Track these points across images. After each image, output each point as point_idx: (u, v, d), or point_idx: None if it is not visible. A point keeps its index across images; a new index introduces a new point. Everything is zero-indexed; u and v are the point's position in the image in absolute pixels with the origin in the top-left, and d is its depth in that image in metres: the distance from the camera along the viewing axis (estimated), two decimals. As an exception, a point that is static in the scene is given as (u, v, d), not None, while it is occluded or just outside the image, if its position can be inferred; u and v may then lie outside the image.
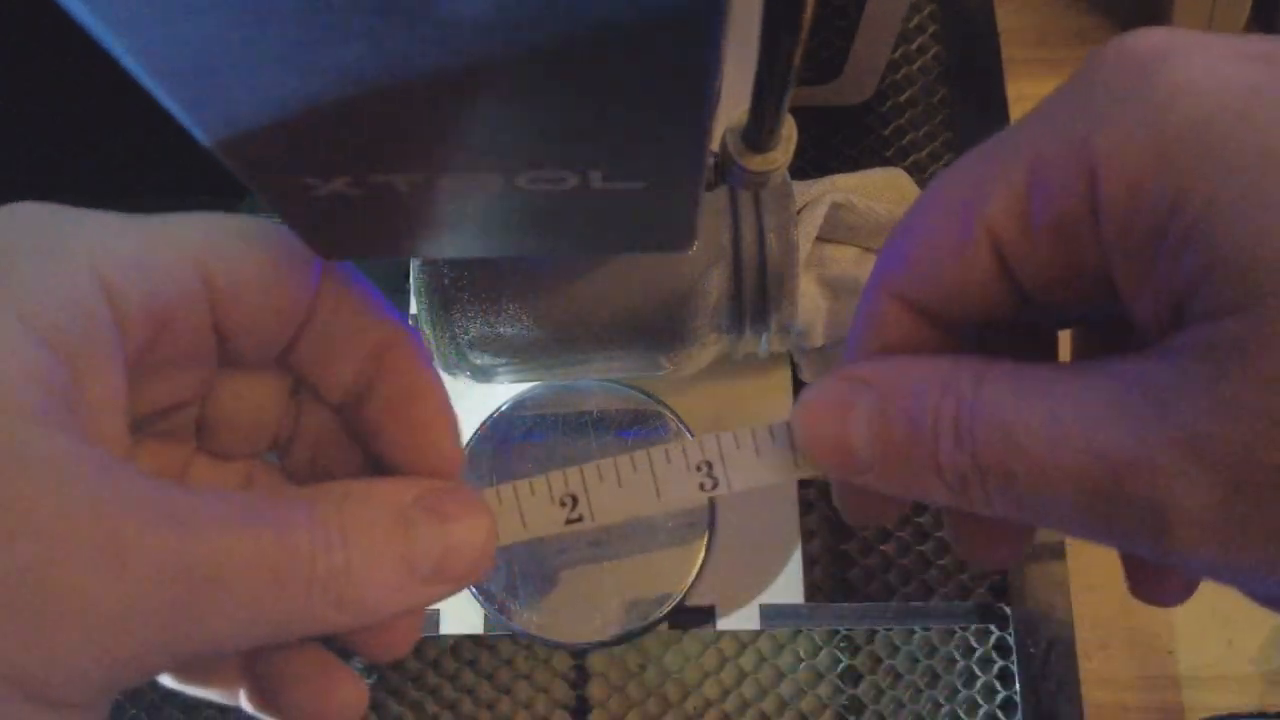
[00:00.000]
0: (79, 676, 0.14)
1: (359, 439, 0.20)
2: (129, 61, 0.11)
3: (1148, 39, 0.15)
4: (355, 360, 0.19)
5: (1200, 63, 0.14)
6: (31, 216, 0.16)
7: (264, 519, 0.15)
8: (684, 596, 0.36)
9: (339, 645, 0.19)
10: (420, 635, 0.20)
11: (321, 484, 0.18)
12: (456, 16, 0.10)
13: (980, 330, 0.19)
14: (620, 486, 0.20)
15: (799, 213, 0.35)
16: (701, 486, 0.19)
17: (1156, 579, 0.19)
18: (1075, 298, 0.17)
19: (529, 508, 0.20)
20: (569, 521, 0.20)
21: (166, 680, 0.19)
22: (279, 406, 0.21)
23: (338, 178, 0.14)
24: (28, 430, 0.14)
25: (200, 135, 0.13)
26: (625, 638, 0.36)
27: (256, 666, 0.19)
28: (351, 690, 0.19)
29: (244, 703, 0.19)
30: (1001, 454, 0.15)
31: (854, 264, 0.37)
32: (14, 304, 0.14)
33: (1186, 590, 0.19)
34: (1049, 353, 0.21)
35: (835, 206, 0.35)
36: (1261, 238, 0.13)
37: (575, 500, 0.20)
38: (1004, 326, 0.18)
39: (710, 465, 0.19)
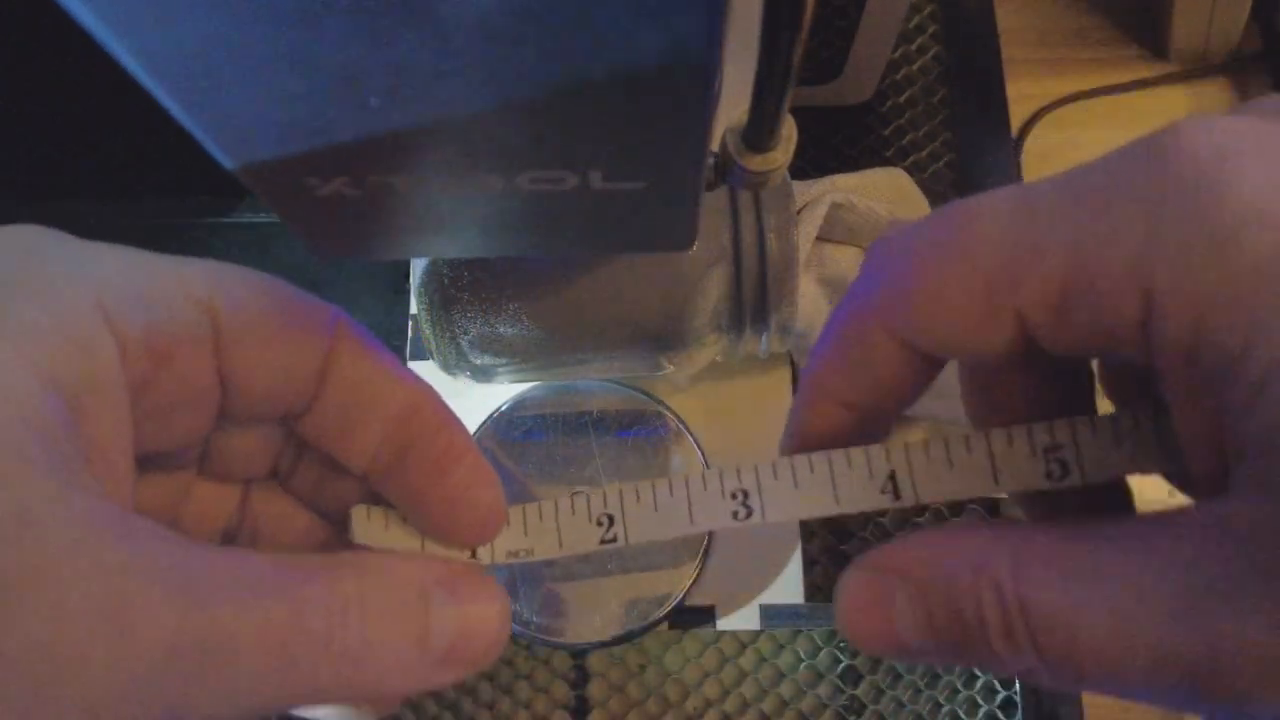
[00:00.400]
0: None
1: (391, 502, 0.20)
2: (129, 62, 0.11)
3: (1206, 137, 0.14)
4: (377, 429, 0.19)
5: (1265, 177, 0.13)
6: (33, 244, 0.16)
7: (279, 591, 0.15)
8: (684, 596, 0.36)
9: None
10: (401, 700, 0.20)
11: (339, 555, 0.18)
12: (456, 17, 0.10)
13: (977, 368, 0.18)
14: (656, 510, 0.19)
15: (799, 213, 0.35)
16: (735, 515, 0.19)
17: None
18: (1108, 359, 0.16)
19: (566, 525, 0.20)
20: (603, 541, 0.20)
21: None
22: (282, 437, 0.20)
23: (338, 178, 0.14)
24: (34, 490, 0.13)
25: (200, 136, 0.13)
26: (625, 638, 0.36)
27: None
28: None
29: None
30: (1064, 651, 0.14)
31: (854, 264, 0.37)
32: (14, 341, 0.14)
33: None
34: (1064, 380, 0.20)
35: (835, 206, 0.36)
36: None
37: (611, 520, 0.20)
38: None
39: (746, 494, 0.19)
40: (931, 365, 0.18)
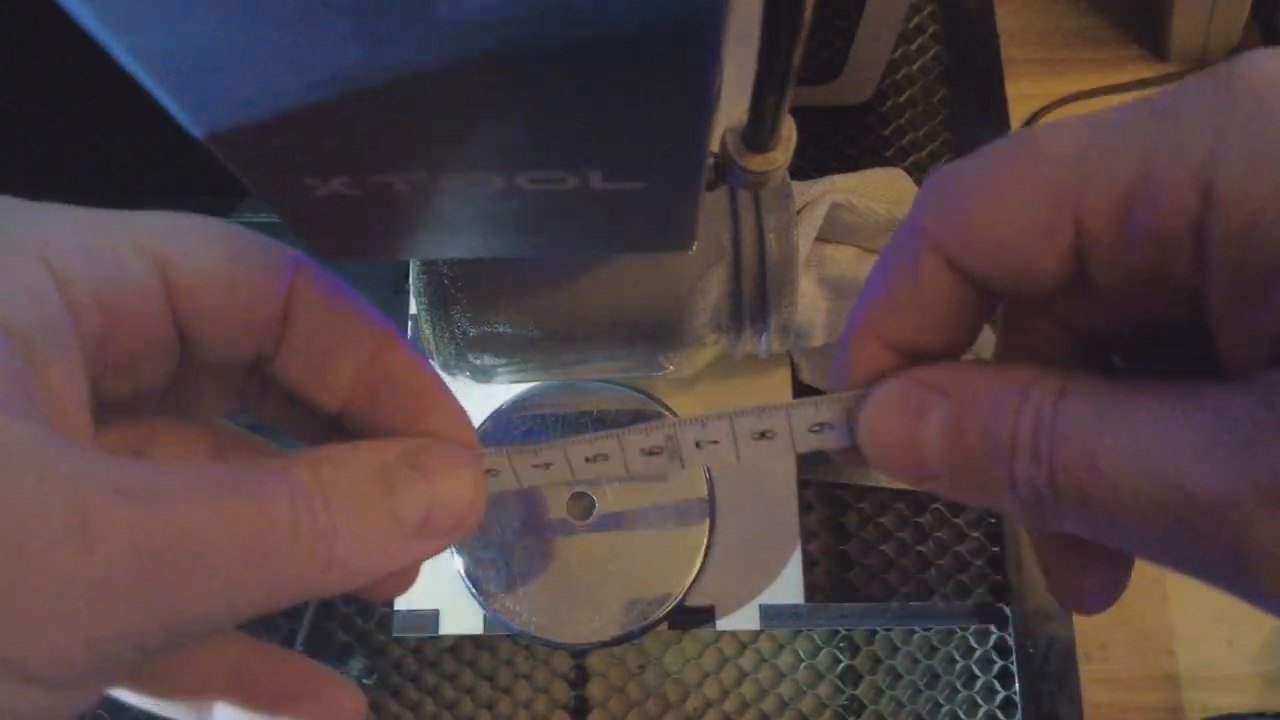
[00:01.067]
0: (58, 656, 0.14)
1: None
2: (128, 61, 0.11)
3: (1270, 64, 0.14)
4: (348, 369, 0.19)
5: None
6: None
7: (239, 490, 0.15)
8: (684, 596, 0.36)
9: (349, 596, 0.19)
10: (417, 575, 0.20)
11: (295, 451, 0.18)
12: (456, 17, 0.10)
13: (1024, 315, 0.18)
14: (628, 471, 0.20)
15: (799, 213, 0.35)
16: (652, 453, 0.20)
17: (1076, 581, 0.19)
18: (1147, 304, 0.16)
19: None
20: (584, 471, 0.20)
21: (151, 705, 0.18)
22: (244, 376, 0.20)
23: (337, 178, 0.14)
24: None
25: (199, 135, 0.13)
26: (625, 638, 0.36)
27: (245, 683, 0.19)
28: (349, 701, 0.19)
29: (219, 717, 0.19)
30: (1080, 478, 0.15)
31: (854, 264, 0.37)
32: None
33: (1108, 596, 0.19)
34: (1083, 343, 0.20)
35: (835, 207, 0.36)
36: None
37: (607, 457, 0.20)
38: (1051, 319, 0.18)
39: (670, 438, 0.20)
40: (982, 302, 0.18)
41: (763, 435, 0.19)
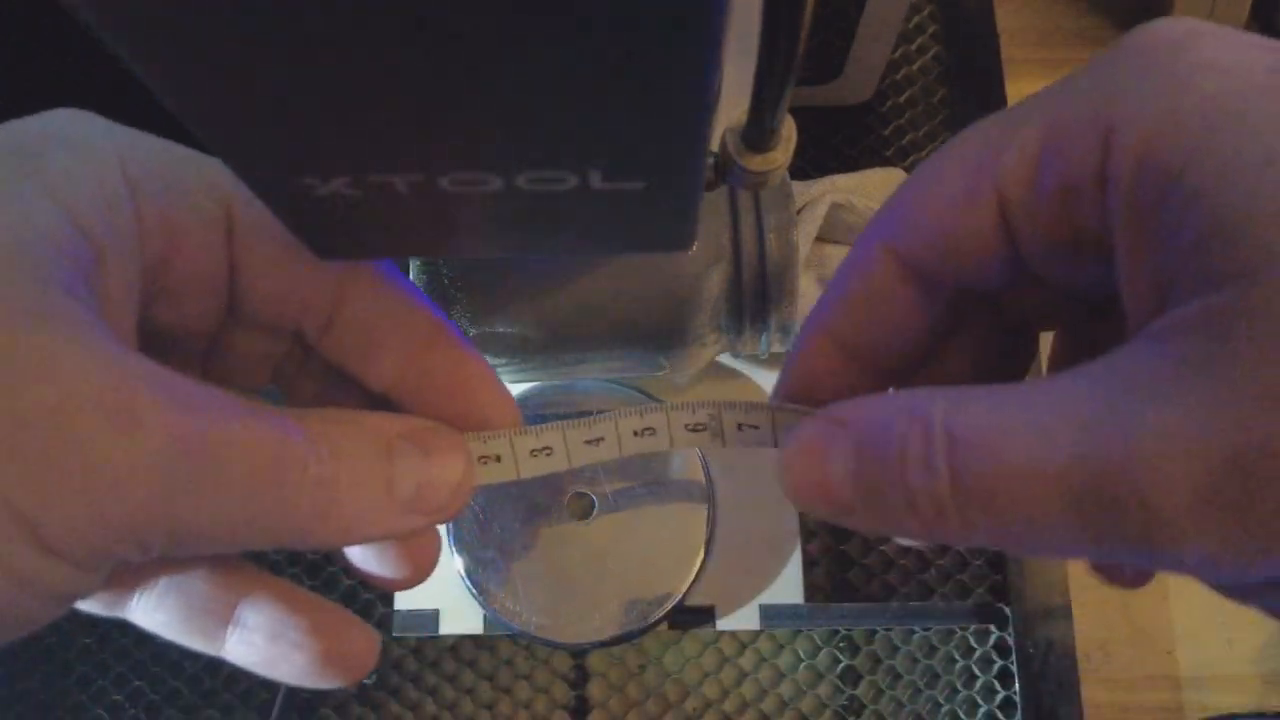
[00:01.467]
0: (75, 530, 0.14)
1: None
2: (129, 61, 0.11)
3: (1172, 27, 0.15)
4: (400, 351, 0.19)
5: (1222, 46, 0.14)
6: (67, 117, 0.17)
7: (265, 420, 0.16)
8: (684, 596, 0.36)
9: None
10: (433, 567, 0.21)
11: (309, 409, 0.18)
12: (456, 15, 0.10)
13: (963, 306, 0.19)
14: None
15: (799, 213, 0.35)
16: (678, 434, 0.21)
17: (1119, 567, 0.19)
18: (1071, 272, 0.17)
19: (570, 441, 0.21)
20: (588, 441, 0.21)
21: (149, 624, 0.18)
22: (284, 349, 0.21)
23: (337, 178, 0.14)
24: (54, 295, 0.14)
25: (199, 135, 0.13)
26: (625, 638, 0.36)
27: (259, 617, 0.19)
28: (363, 638, 0.19)
29: (230, 649, 0.19)
30: (982, 473, 0.14)
31: (854, 264, 0.37)
32: (47, 187, 0.15)
33: (1147, 572, 0.19)
34: (1026, 357, 0.21)
35: (835, 206, 0.36)
36: (1271, 199, 0.12)
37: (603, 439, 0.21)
38: (986, 316, 0.18)
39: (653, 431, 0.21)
40: (929, 300, 0.18)
41: (698, 428, 0.21)
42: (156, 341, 0.19)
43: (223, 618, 0.19)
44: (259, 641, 0.19)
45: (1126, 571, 0.19)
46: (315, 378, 0.21)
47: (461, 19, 0.10)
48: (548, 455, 0.21)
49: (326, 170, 0.14)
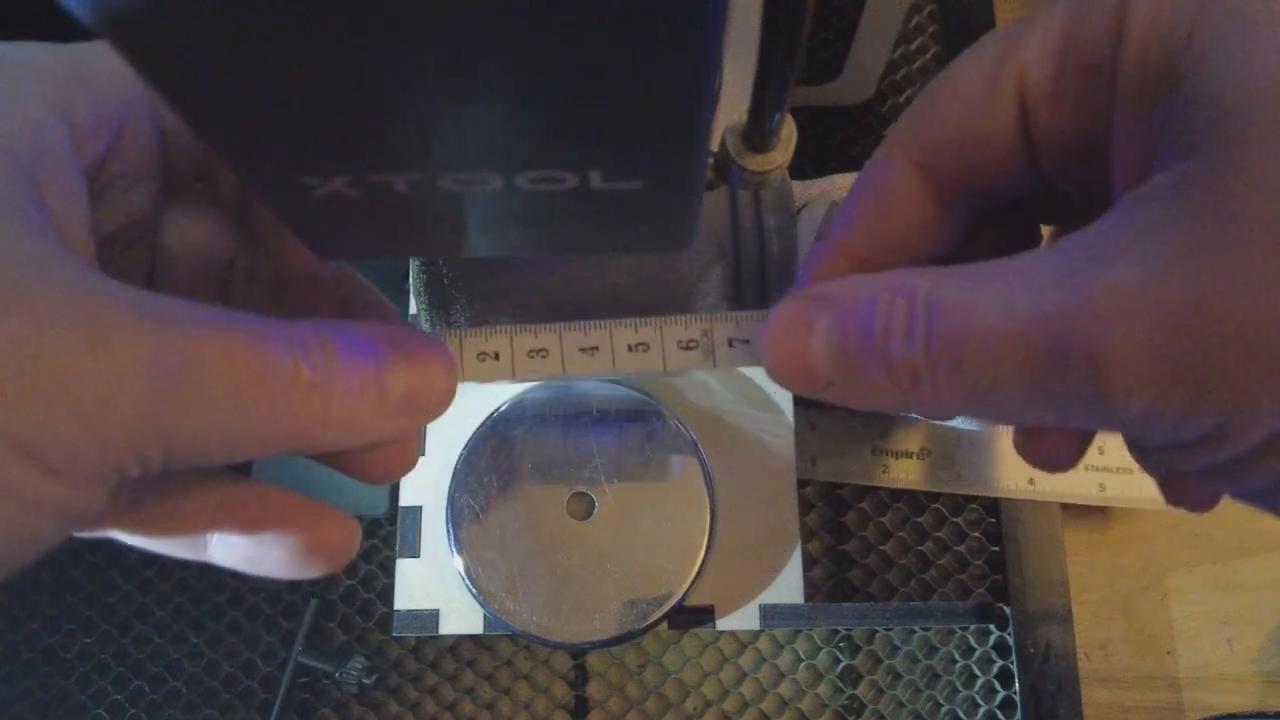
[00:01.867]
0: (74, 452, 0.14)
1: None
2: (128, 59, 0.11)
3: None
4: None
5: None
6: None
7: (245, 329, 0.16)
8: (684, 596, 0.36)
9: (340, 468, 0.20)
10: (414, 465, 0.21)
11: (297, 319, 0.19)
12: (457, 15, 0.10)
13: (976, 211, 0.19)
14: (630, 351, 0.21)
15: (799, 213, 0.35)
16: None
17: (1184, 484, 0.20)
18: (1084, 173, 0.17)
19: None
20: (582, 350, 0.21)
21: (135, 540, 0.19)
22: (228, 238, 0.21)
23: (337, 178, 0.14)
24: (8, 223, 0.14)
25: (199, 134, 0.13)
26: (625, 638, 0.36)
27: (237, 519, 0.19)
28: (340, 529, 0.20)
29: (214, 553, 0.19)
30: (952, 336, 0.15)
31: (854, 264, 0.37)
32: None
33: (1214, 496, 0.19)
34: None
35: (835, 206, 0.35)
36: (1250, 74, 0.13)
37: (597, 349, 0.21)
38: (997, 215, 0.19)
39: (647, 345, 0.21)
40: (945, 210, 0.19)
41: (690, 345, 0.21)
42: (107, 241, 0.19)
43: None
44: (239, 542, 0.19)
45: (1191, 490, 0.19)
46: (263, 287, 0.21)
47: (462, 19, 0.10)
48: (543, 358, 0.21)
49: (325, 170, 0.14)
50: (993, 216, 0.20)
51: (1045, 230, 0.22)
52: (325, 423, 0.17)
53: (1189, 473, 0.16)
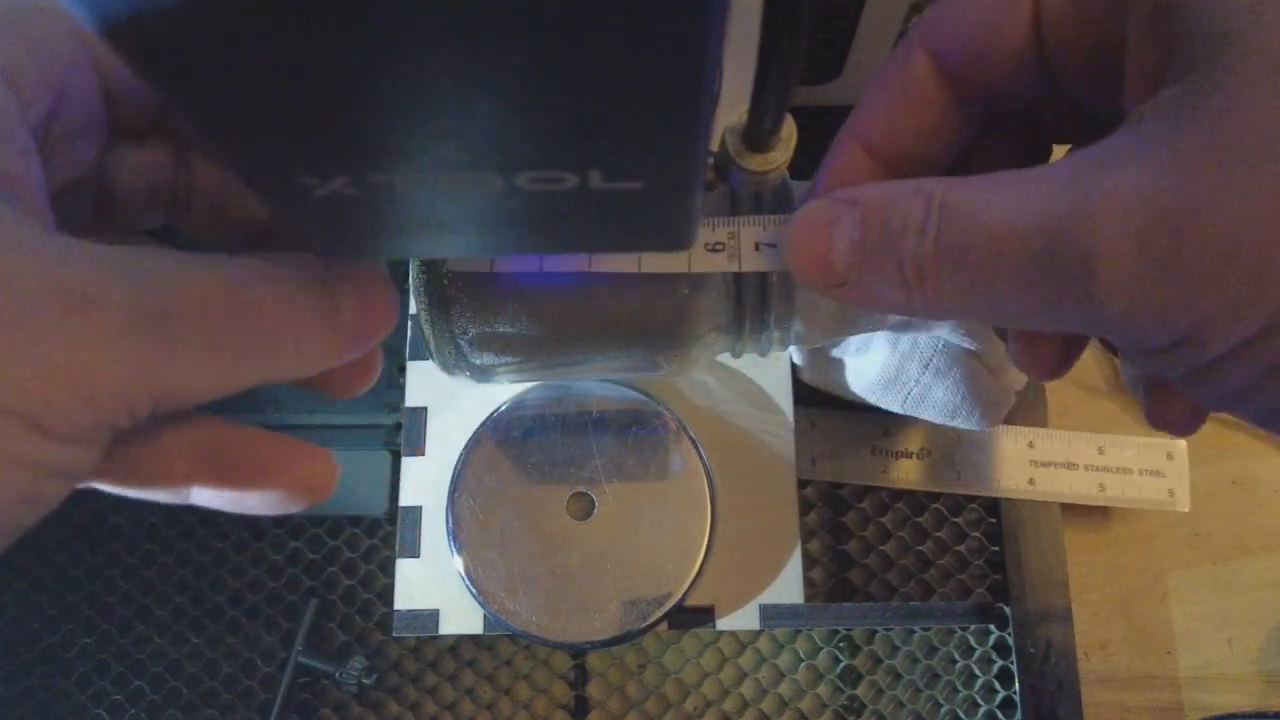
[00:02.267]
0: (66, 414, 0.14)
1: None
2: (131, 63, 0.11)
3: None
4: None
5: None
6: None
7: (213, 268, 0.16)
8: (684, 596, 0.36)
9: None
10: (378, 370, 0.22)
11: (245, 255, 0.19)
12: (456, 15, 0.10)
13: (989, 114, 0.20)
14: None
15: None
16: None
17: (1168, 401, 0.21)
18: (1093, 84, 0.18)
19: None
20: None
21: (117, 489, 0.19)
22: (168, 166, 0.21)
23: (337, 178, 0.14)
24: None
25: (199, 134, 0.13)
26: (625, 638, 0.36)
27: (216, 461, 0.19)
28: (320, 467, 0.20)
29: (195, 495, 0.19)
30: (960, 235, 0.16)
31: (854, 264, 0.37)
32: None
33: (1196, 415, 0.20)
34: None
35: (835, 206, 0.35)
36: None
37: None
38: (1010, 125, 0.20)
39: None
40: (961, 106, 0.19)
41: (716, 248, 0.21)
42: (54, 202, 0.19)
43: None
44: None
45: (1174, 409, 0.20)
46: (210, 199, 0.22)
47: (461, 18, 0.10)
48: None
49: (325, 170, 0.14)
50: (1005, 126, 0.21)
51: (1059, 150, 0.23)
52: (294, 355, 0.17)
53: (1171, 381, 0.17)
